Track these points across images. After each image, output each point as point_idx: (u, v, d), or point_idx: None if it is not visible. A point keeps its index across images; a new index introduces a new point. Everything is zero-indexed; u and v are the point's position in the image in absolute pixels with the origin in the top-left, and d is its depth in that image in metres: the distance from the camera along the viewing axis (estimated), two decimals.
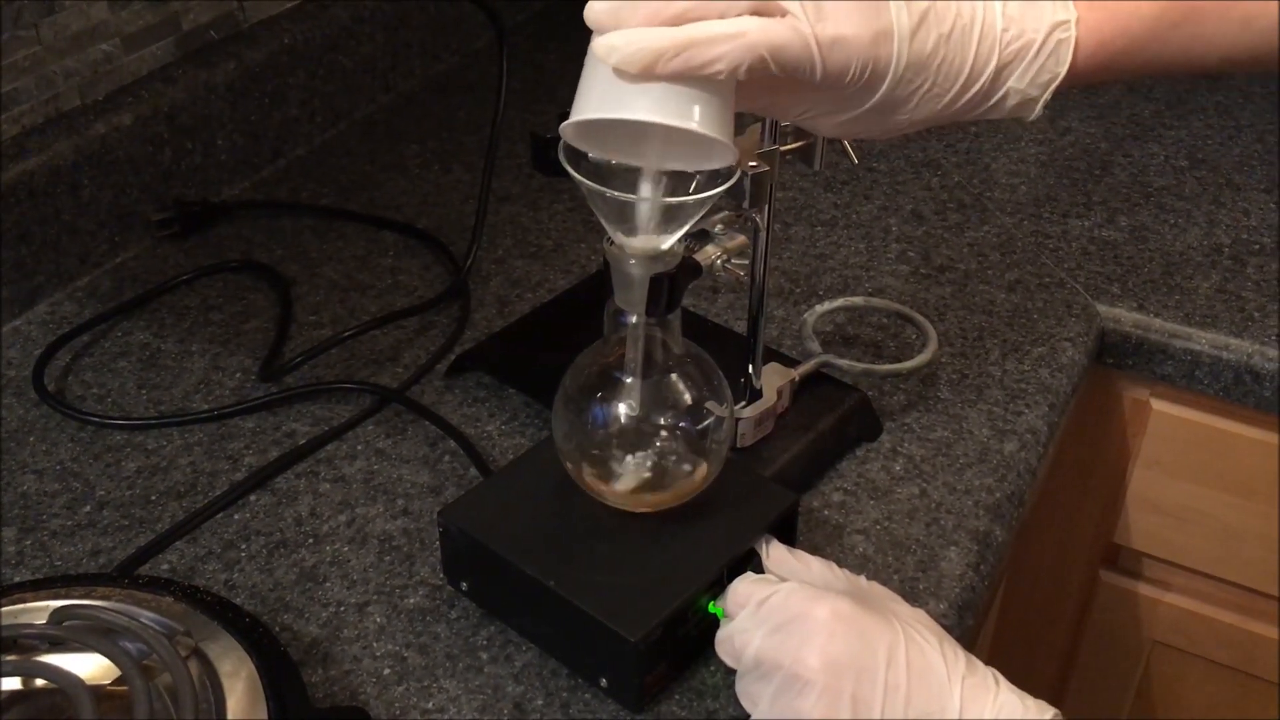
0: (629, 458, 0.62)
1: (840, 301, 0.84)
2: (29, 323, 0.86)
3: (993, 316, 0.88)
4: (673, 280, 0.57)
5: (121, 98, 0.92)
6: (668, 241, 0.55)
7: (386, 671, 0.62)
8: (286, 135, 1.05)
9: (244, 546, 0.69)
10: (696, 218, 0.55)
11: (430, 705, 0.61)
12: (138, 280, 0.90)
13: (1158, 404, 0.93)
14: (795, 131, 0.69)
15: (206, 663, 0.55)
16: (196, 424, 0.77)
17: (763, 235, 0.67)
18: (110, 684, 0.53)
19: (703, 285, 0.90)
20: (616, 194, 0.52)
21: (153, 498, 0.72)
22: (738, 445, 0.72)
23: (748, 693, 0.57)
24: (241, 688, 0.55)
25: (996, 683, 0.54)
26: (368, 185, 1.03)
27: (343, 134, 1.10)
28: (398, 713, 0.60)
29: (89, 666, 0.54)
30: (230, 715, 0.53)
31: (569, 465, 0.63)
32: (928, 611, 0.65)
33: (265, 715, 0.53)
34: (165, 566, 0.68)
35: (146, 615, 0.57)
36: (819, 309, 0.82)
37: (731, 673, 0.62)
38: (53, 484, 0.73)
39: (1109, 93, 1.16)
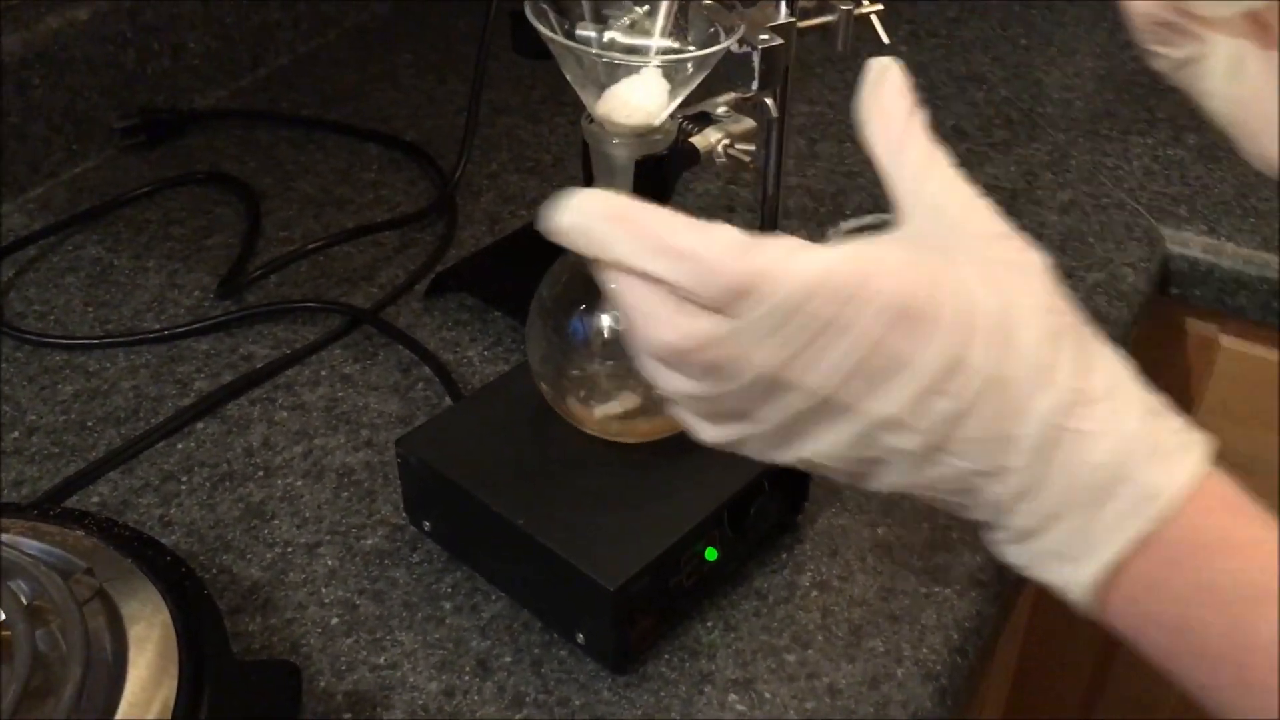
0: (615, 379, 0.53)
1: (869, 218, 0.75)
2: None
3: (1043, 239, 0.78)
4: (663, 165, 0.48)
5: None
6: (659, 115, 0.46)
7: (334, 621, 0.54)
8: (267, 42, 0.96)
9: (185, 479, 0.61)
10: (693, 85, 0.46)
11: (381, 660, 0.52)
12: (95, 192, 0.82)
13: (1227, 341, 0.83)
14: (816, 7, 0.60)
15: (112, 607, 0.47)
16: (145, 345, 0.70)
17: (776, 125, 0.58)
18: None
19: (711, 203, 0.81)
20: (599, 53, 0.44)
21: (89, 424, 0.64)
22: None
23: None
24: (156, 635, 0.47)
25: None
26: (354, 96, 0.94)
27: (331, 43, 1.01)
28: (343, 668, 0.52)
29: None
30: (133, 666, 0.45)
31: (545, 388, 0.55)
32: (964, 564, 0.57)
33: (175, 667, 0.45)
34: (95, 499, 0.60)
35: (45, 550, 0.49)
36: (844, 226, 0.73)
37: (730, 630, 0.54)
38: None
39: None
